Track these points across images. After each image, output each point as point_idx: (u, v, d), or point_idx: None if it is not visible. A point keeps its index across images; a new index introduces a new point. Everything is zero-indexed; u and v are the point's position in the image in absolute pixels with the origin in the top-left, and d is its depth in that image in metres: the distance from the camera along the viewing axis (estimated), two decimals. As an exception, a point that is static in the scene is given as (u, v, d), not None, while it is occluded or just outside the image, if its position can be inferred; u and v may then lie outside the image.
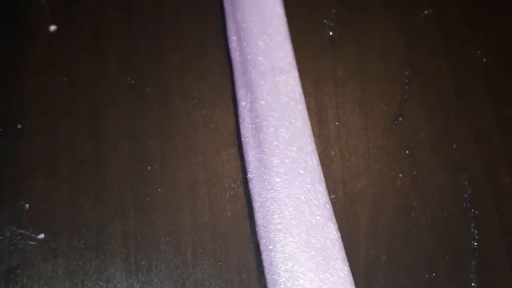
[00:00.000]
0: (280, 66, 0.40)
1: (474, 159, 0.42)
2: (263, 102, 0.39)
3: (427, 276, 0.38)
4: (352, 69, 0.43)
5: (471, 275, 0.39)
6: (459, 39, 0.45)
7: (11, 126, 0.40)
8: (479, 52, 0.45)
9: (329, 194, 0.40)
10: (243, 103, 0.40)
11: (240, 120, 0.40)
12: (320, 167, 0.38)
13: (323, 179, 0.38)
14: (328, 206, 0.37)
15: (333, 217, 0.37)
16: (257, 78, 0.40)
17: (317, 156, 0.38)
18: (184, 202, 0.39)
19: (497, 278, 0.39)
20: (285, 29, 0.42)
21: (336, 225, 0.37)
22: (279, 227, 0.36)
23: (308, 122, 0.39)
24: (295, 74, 0.40)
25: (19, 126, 0.40)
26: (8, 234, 0.38)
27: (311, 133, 0.39)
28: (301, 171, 0.38)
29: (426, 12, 0.45)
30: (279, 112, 0.39)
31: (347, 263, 0.36)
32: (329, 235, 0.36)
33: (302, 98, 0.40)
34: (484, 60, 0.44)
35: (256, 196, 0.38)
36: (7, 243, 0.37)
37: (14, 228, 0.38)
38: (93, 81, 0.42)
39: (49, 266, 0.37)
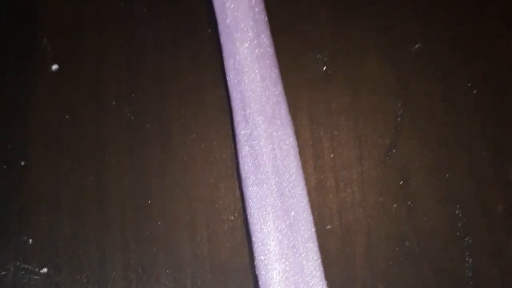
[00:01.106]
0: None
1: (467, 188, 0.42)
2: (264, 137, 0.41)
3: (423, 304, 0.39)
4: (346, 102, 0.44)
5: (467, 303, 0.39)
6: (450, 71, 0.46)
7: (15, 163, 0.41)
8: (469, 84, 0.45)
9: (325, 225, 0.41)
10: (243, 139, 0.41)
11: (240, 156, 0.41)
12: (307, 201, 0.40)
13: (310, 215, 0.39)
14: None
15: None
16: (257, 113, 0.41)
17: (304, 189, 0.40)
18: (183, 234, 0.40)
19: (492, 306, 0.39)
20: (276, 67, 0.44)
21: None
22: (279, 264, 0.37)
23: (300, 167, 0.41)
24: (290, 126, 0.42)
25: (23, 163, 0.41)
26: (12, 269, 0.38)
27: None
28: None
29: (416, 46, 0.46)
30: (280, 149, 0.41)
31: None
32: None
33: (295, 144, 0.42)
34: (475, 91, 0.45)
35: (257, 233, 0.39)
36: (11, 278, 0.38)
37: (18, 263, 0.38)
38: (95, 118, 0.43)
39: (52, 300, 0.38)
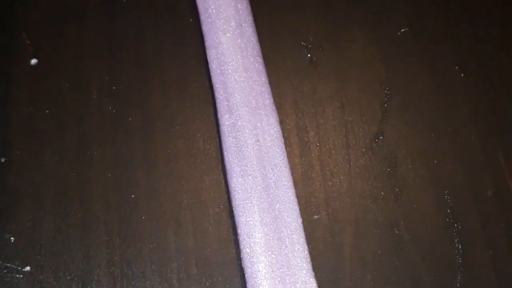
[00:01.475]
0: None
1: (456, 173, 0.42)
2: (249, 128, 0.40)
3: (412, 292, 0.39)
4: (331, 90, 0.44)
5: (457, 290, 0.39)
6: (437, 55, 0.45)
7: (-5, 160, 0.41)
8: (457, 67, 0.45)
9: (313, 215, 0.40)
10: (227, 130, 0.41)
11: (224, 147, 0.40)
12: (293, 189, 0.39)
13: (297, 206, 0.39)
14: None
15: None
16: (241, 104, 0.41)
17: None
18: (168, 228, 0.40)
19: (482, 292, 0.39)
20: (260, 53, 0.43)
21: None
22: (265, 257, 0.37)
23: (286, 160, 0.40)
24: (275, 114, 0.41)
25: (3, 160, 0.41)
26: (-6, 268, 0.38)
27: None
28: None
29: (402, 30, 0.46)
30: (264, 140, 0.40)
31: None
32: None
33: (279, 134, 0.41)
34: (462, 74, 0.45)
35: (242, 225, 0.38)
36: (-7, 277, 0.38)
37: (0, 262, 0.38)
38: (76, 112, 0.42)
39: (36, 298, 0.38)
